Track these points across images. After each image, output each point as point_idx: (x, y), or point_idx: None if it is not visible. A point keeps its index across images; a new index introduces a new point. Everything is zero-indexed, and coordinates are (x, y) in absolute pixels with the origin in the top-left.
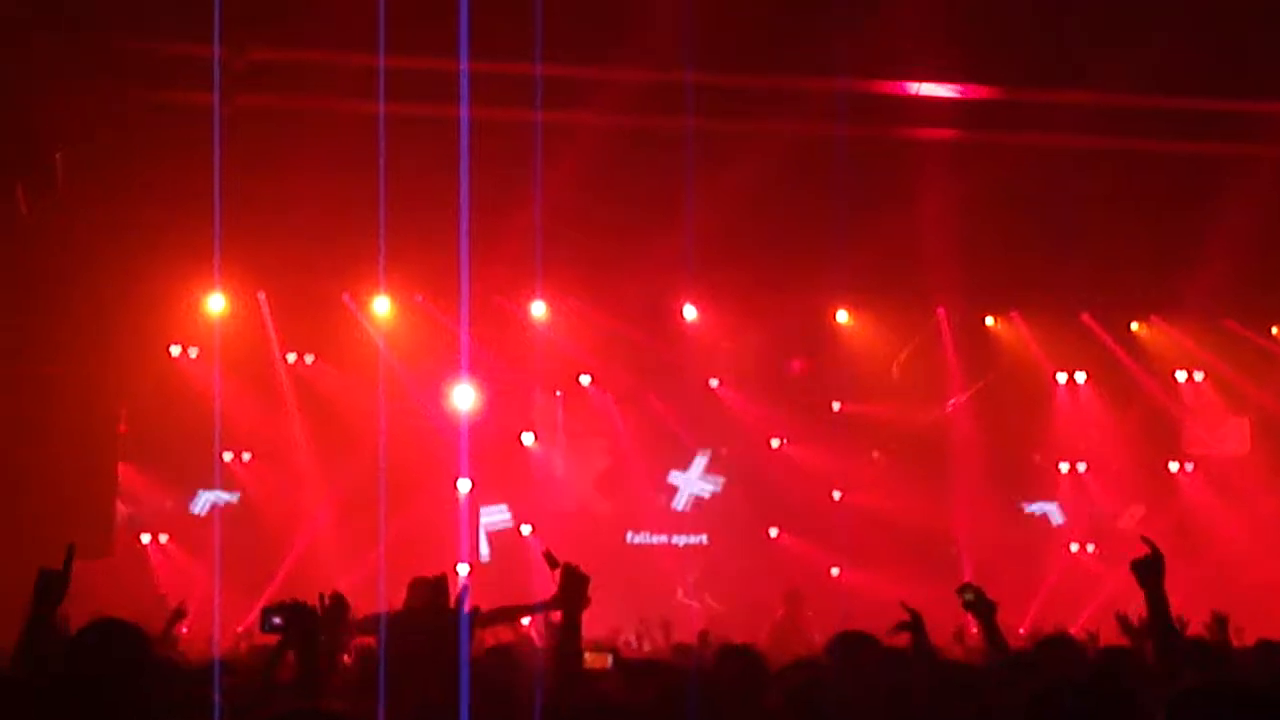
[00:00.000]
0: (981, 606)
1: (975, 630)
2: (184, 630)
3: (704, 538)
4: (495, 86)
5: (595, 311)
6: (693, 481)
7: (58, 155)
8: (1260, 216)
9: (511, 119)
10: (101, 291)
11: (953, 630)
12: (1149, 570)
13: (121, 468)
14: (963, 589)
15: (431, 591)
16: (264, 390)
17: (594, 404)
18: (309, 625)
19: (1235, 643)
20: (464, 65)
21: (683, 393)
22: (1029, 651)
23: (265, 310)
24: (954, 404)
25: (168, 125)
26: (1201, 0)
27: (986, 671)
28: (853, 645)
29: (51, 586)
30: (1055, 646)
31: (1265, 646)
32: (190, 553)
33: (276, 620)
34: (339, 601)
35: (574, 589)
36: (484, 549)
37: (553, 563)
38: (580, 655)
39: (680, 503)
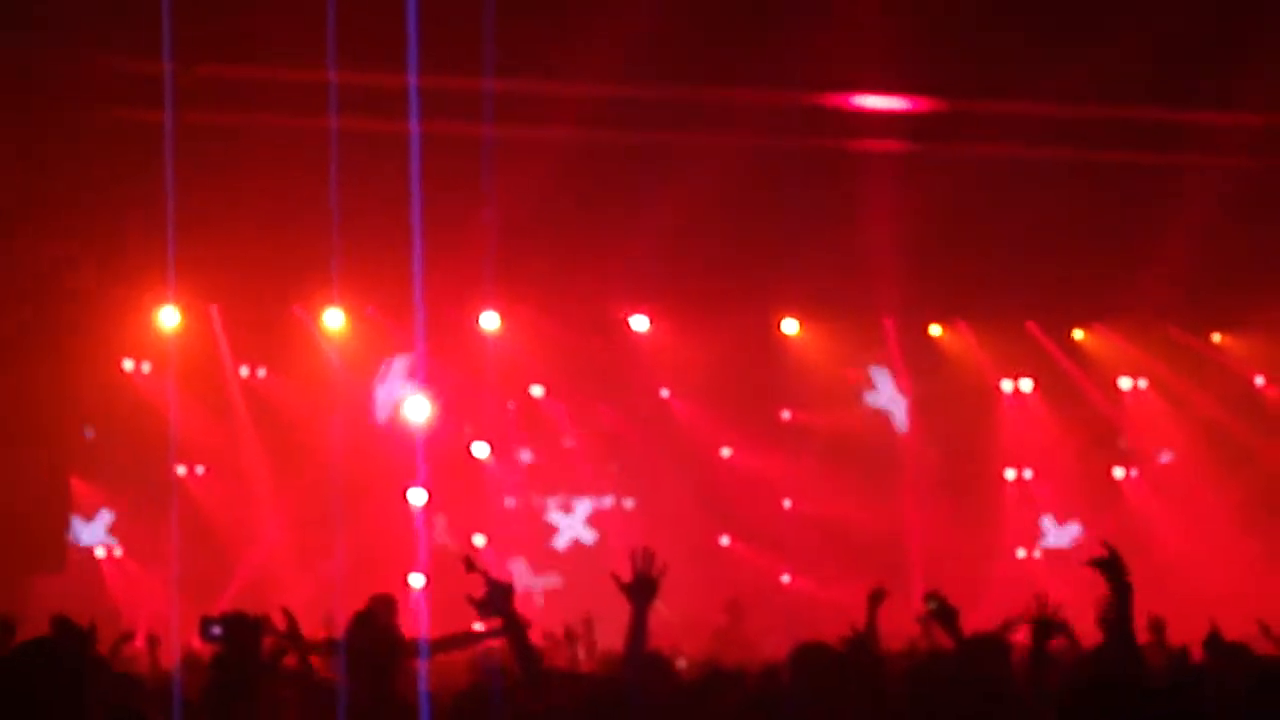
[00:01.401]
0: (945, 614)
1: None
2: (133, 649)
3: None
4: (446, 101)
5: (547, 322)
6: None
7: None
8: (1201, 225)
9: (462, 133)
10: (54, 306)
11: (906, 640)
12: (1111, 567)
13: (74, 482)
14: (928, 597)
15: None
16: (217, 404)
17: (546, 415)
18: (248, 637)
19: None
20: (413, 80)
21: (633, 403)
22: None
23: (217, 324)
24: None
25: (119, 141)
26: (1142, 11)
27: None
28: (812, 656)
29: None
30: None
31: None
32: (143, 567)
33: (215, 630)
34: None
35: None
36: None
37: (470, 566)
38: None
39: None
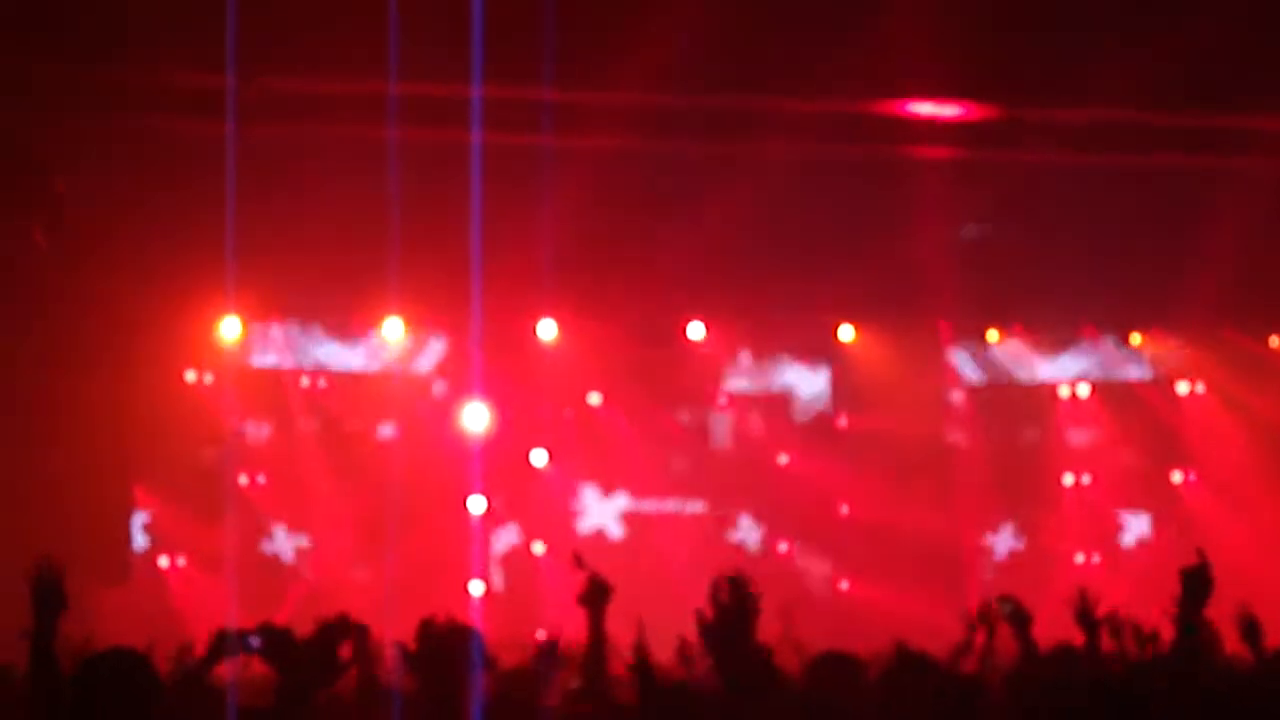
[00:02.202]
0: (1019, 618)
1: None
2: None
3: None
4: (501, 111)
5: (604, 331)
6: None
7: (62, 186)
8: (1256, 227)
9: (519, 143)
10: (116, 318)
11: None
12: (1199, 577)
13: (138, 492)
14: (1002, 601)
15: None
16: (278, 414)
17: (603, 422)
18: (289, 651)
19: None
20: (476, 90)
21: (690, 410)
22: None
23: (279, 335)
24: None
25: (179, 154)
26: (1189, 14)
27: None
28: (832, 668)
29: (47, 594)
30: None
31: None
32: (208, 576)
33: (254, 642)
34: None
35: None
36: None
37: (579, 563)
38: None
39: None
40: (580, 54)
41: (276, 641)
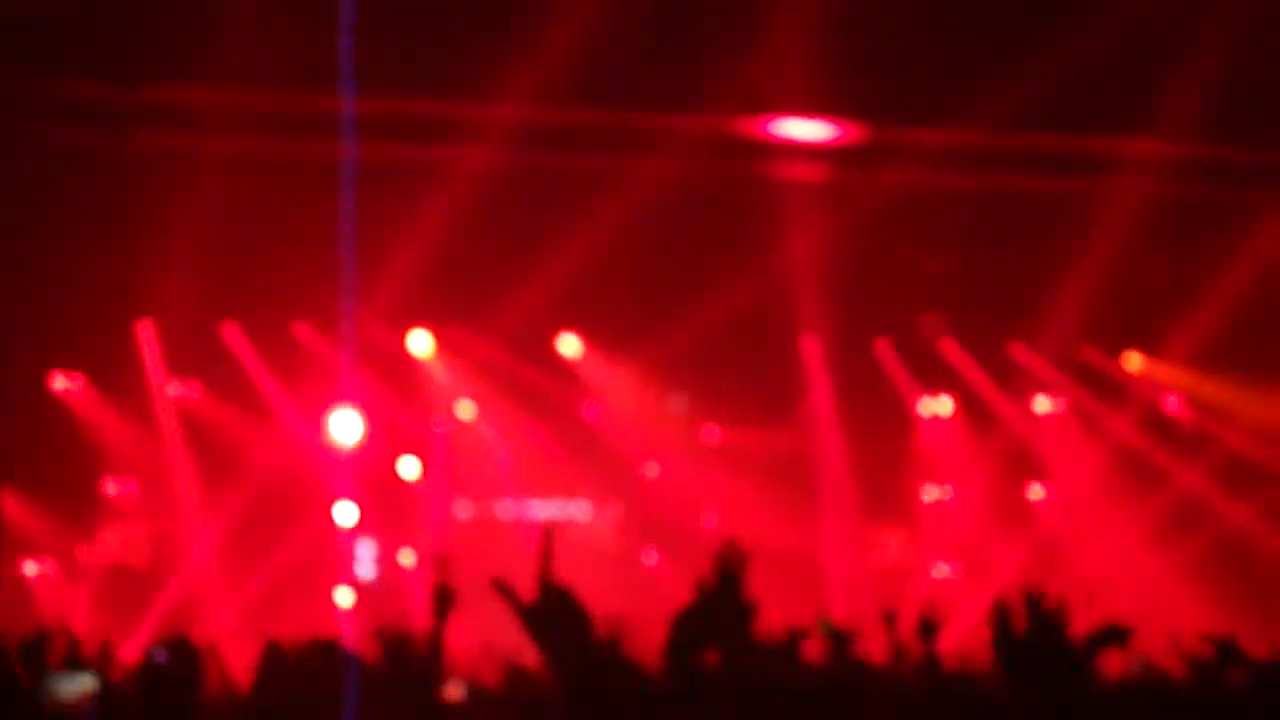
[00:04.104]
0: (838, 638)
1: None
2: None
3: None
4: (378, 124)
5: (476, 343)
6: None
7: None
8: (1110, 245)
9: (393, 156)
10: None
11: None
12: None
13: (3, 495)
14: (821, 622)
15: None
16: (146, 418)
17: (475, 435)
18: (191, 663)
19: None
20: (348, 104)
21: (561, 423)
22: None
23: (149, 338)
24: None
25: (55, 159)
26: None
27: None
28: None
29: None
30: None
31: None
32: (72, 581)
33: (161, 654)
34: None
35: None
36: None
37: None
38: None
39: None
40: (456, 68)
41: (183, 656)
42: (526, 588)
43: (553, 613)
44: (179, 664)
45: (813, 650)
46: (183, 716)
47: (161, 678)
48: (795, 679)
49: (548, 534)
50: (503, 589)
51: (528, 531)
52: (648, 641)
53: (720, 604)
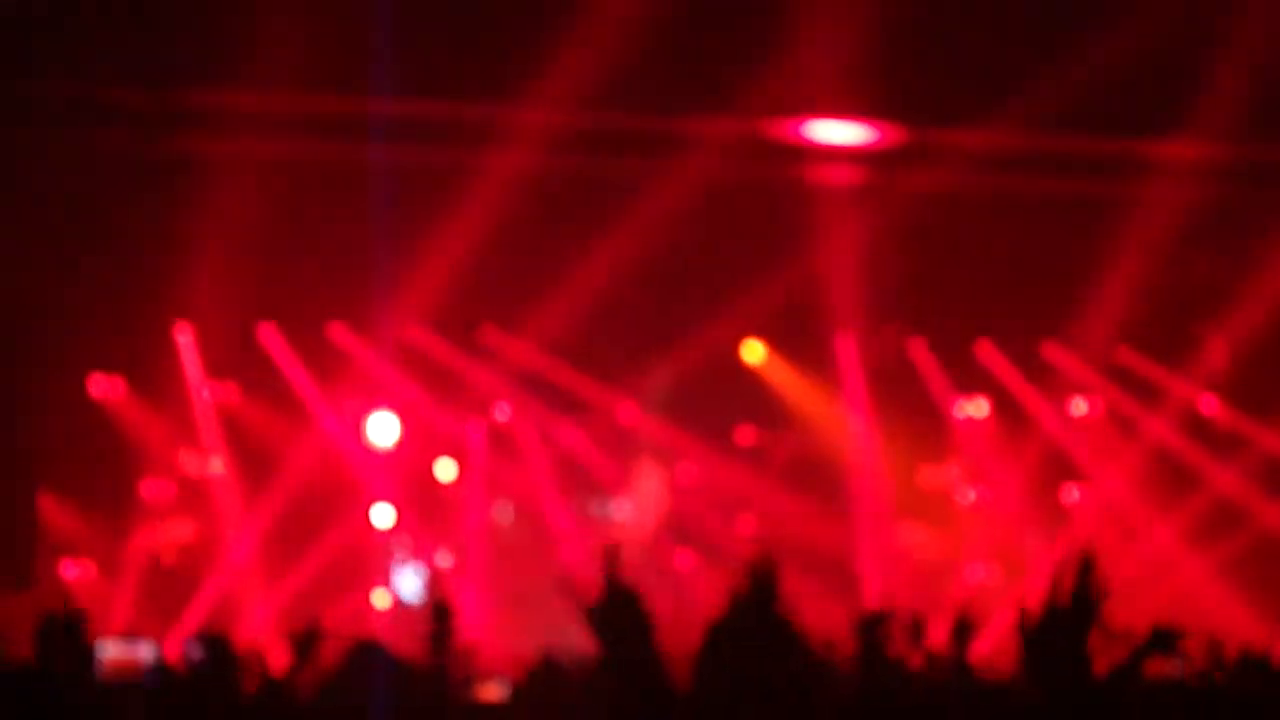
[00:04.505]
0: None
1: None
2: None
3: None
4: (411, 127)
5: (513, 344)
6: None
7: None
8: (1148, 247)
9: (427, 159)
10: (20, 322)
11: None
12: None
13: (42, 498)
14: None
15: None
16: (184, 421)
17: (513, 435)
18: (227, 658)
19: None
20: (383, 106)
21: (597, 424)
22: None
23: (187, 341)
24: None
25: (88, 165)
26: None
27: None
28: None
29: None
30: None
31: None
32: (112, 582)
33: (196, 649)
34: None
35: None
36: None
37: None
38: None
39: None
40: (489, 71)
41: (217, 650)
42: (589, 589)
43: (617, 614)
44: (214, 660)
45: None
46: (218, 713)
47: (197, 674)
48: (828, 688)
49: (610, 537)
50: (568, 589)
51: (570, 533)
52: (680, 646)
53: (755, 614)
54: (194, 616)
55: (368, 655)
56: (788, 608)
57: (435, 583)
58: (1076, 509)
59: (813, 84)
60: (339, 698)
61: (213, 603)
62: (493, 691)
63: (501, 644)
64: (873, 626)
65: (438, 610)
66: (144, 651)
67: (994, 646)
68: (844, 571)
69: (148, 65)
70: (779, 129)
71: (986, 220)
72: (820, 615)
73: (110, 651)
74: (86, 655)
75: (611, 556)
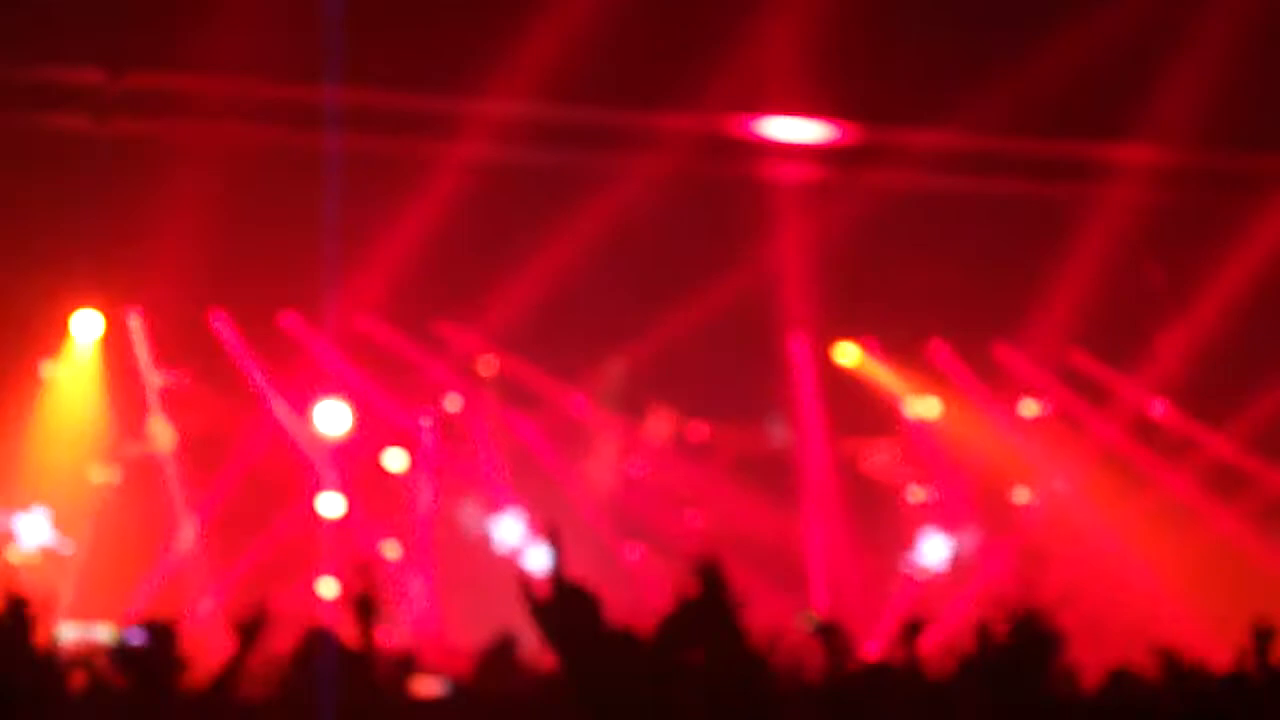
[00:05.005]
0: (826, 631)
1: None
2: None
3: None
4: (364, 115)
5: (461, 337)
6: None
7: None
8: (1101, 252)
9: (379, 148)
10: None
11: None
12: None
13: None
14: (803, 615)
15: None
16: (133, 407)
17: (463, 427)
18: (167, 643)
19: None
20: (335, 94)
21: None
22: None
23: (136, 328)
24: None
25: (40, 148)
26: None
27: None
28: None
29: None
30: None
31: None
32: (58, 568)
33: (136, 639)
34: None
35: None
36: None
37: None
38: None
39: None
40: (444, 62)
41: (160, 637)
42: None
43: (566, 610)
44: (155, 645)
45: (799, 647)
46: (160, 697)
47: (137, 659)
48: (780, 680)
49: (554, 531)
50: (524, 586)
51: (519, 527)
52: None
53: (703, 610)
54: (140, 602)
55: (319, 644)
56: (735, 606)
57: (367, 573)
58: (1025, 510)
59: (768, 81)
60: (290, 686)
61: (159, 588)
62: (429, 686)
63: (448, 637)
64: (831, 631)
65: (362, 603)
66: (102, 635)
67: (941, 644)
68: (793, 566)
69: (98, 46)
70: (734, 125)
71: (939, 220)
72: (768, 611)
73: (69, 635)
74: (33, 649)
75: (553, 534)
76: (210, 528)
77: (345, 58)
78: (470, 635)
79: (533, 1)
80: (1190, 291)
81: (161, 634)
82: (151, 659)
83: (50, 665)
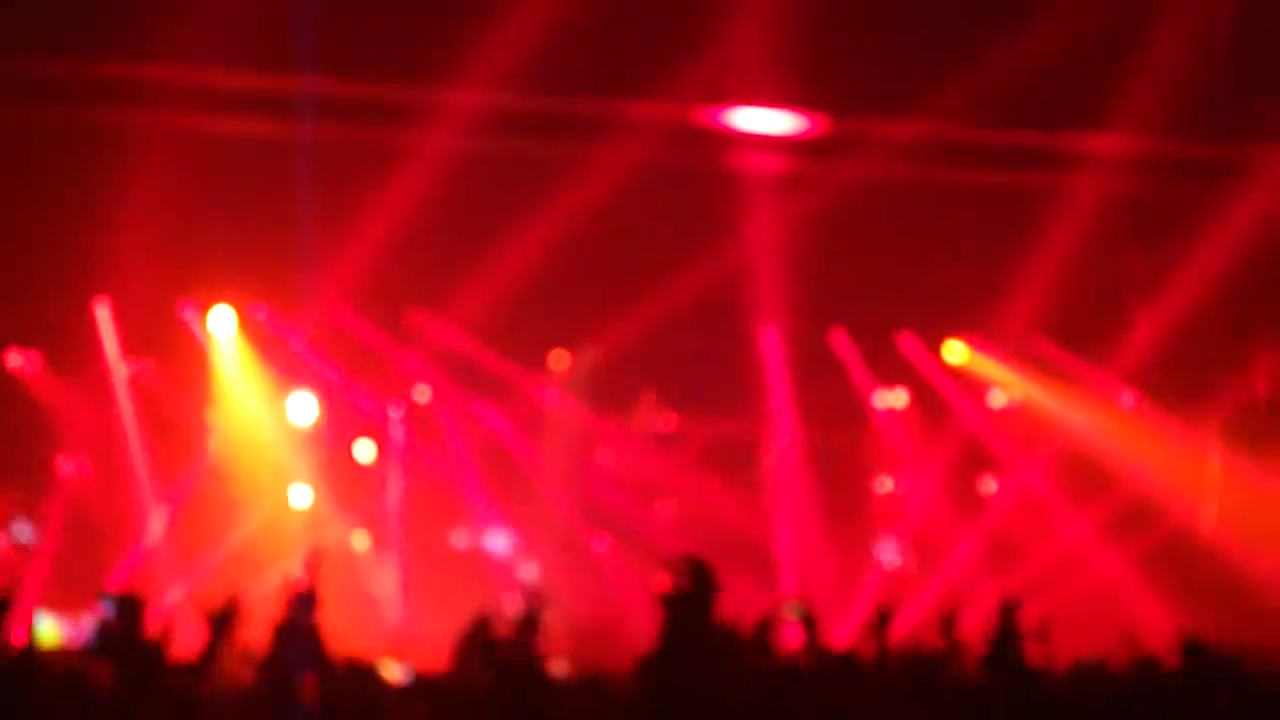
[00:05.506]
0: (808, 620)
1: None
2: None
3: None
4: (335, 105)
5: (435, 328)
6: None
7: None
8: (1071, 242)
9: (350, 138)
10: None
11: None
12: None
13: None
14: (791, 605)
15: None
16: (101, 396)
17: (432, 419)
18: (134, 615)
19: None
20: (306, 84)
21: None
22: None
23: (104, 317)
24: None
25: (10, 136)
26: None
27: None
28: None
29: None
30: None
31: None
32: (26, 558)
33: (109, 607)
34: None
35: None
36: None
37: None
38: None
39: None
40: (414, 52)
41: (128, 607)
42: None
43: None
44: (125, 616)
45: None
46: (133, 666)
47: (109, 630)
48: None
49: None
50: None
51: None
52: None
53: (694, 613)
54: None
55: (292, 637)
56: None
57: (313, 565)
58: (993, 499)
59: (738, 71)
60: (265, 677)
61: (129, 579)
62: (392, 672)
63: (414, 627)
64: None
65: (300, 600)
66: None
67: (911, 631)
68: (762, 556)
69: (68, 35)
70: (704, 115)
71: (909, 211)
72: (740, 600)
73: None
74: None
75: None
76: (179, 519)
77: (315, 48)
78: (434, 624)
79: None
80: (1158, 281)
81: (129, 606)
82: (121, 631)
83: (29, 658)
